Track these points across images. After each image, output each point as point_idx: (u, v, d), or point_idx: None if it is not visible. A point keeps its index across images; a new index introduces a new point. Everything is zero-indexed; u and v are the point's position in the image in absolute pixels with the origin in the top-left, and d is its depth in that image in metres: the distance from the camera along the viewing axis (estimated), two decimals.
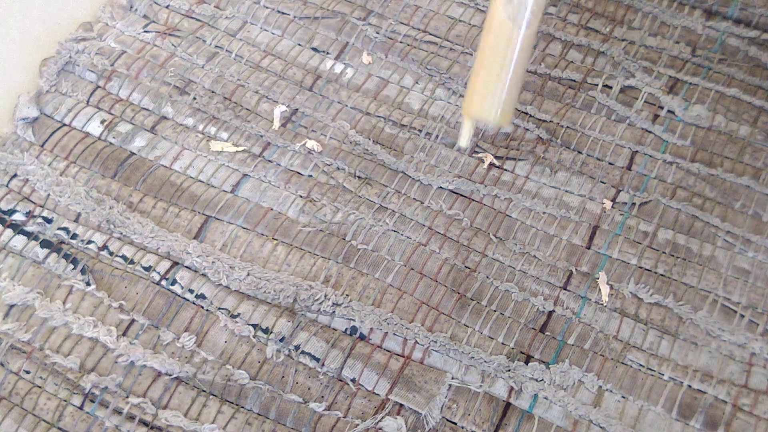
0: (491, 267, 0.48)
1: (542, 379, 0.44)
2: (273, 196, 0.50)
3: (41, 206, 0.49)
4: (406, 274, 0.47)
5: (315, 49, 0.57)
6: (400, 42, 0.57)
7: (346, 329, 0.46)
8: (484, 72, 0.37)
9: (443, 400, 0.43)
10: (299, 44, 0.57)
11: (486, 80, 0.37)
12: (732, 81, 0.55)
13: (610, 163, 0.52)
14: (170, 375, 0.44)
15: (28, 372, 0.44)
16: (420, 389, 0.44)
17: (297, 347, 0.45)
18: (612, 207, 0.50)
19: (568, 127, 0.53)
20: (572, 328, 0.46)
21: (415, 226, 0.49)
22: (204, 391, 0.44)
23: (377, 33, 0.57)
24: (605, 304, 0.47)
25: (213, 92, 0.55)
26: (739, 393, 0.44)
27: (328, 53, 0.57)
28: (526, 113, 0.54)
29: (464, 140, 0.40)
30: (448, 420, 0.43)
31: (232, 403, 0.44)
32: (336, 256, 0.48)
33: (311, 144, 0.52)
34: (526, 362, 0.45)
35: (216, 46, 0.57)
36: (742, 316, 0.46)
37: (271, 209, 0.50)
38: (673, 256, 0.49)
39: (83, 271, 0.47)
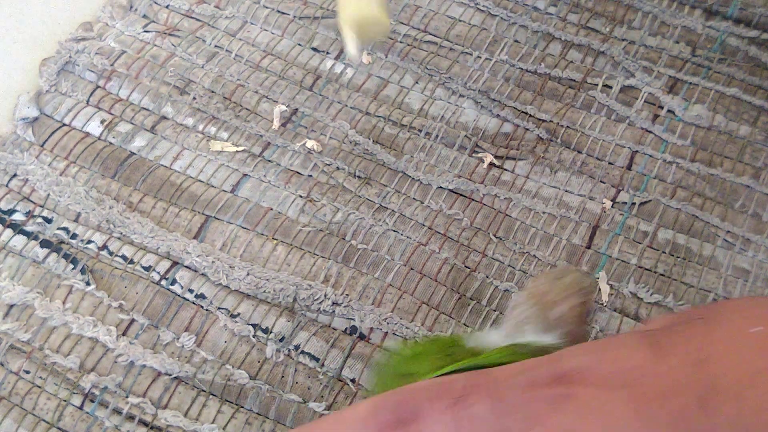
0: (491, 267, 0.48)
1: None
2: (273, 196, 0.50)
3: (41, 206, 0.49)
4: (406, 273, 0.47)
5: (315, 49, 0.57)
6: (400, 42, 0.57)
7: (346, 329, 0.46)
8: None
9: None
10: (299, 44, 0.57)
11: None
12: (732, 81, 0.55)
13: (610, 163, 0.52)
14: (170, 375, 0.44)
15: (28, 372, 0.44)
16: None
17: (297, 347, 0.45)
18: (612, 207, 0.50)
19: (568, 126, 0.53)
20: None
21: (415, 226, 0.49)
22: (204, 391, 0.44)
23: None
24: (605, 304, 0.47)
25: (213, 92, 0.55)
26: None
27: (328, 53, 0.57)
28: (526, 113, 0.54)
29: (352, 49, 0.38)
30: None
31: (232, 403, 0.44)
32: (336, 255, 0.48)
33: (311, 144, 0.52)
34: None
35: (216, 46, 0.57)
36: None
37: (271, 209, 0.50)
38: (673, 255, 0.49)
39: (83, 271, 0.47)
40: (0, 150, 0.51)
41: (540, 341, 0.31)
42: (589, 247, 0.49)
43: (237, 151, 0.52)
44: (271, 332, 0.45)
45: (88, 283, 0.46)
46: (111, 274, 0.47)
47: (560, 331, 0.32)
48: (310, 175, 0.51)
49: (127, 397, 0.43)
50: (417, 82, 0.55)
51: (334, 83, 0.55)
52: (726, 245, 0.49)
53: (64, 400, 0.43)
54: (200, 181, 0.51)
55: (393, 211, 0.50)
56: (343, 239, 0.49)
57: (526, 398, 0.21)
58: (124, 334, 0.45)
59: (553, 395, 0.21)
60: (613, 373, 0.21)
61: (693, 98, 0.54)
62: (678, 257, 0.49)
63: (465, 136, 0.53)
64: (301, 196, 0.50)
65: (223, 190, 0.50)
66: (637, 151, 0.52)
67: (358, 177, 0.51)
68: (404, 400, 0.22)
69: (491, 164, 0.52)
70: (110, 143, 0.52)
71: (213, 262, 0.47)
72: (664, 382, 0.21)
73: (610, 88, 0.55)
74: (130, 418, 0.43)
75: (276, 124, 0.53)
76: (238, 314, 0.46)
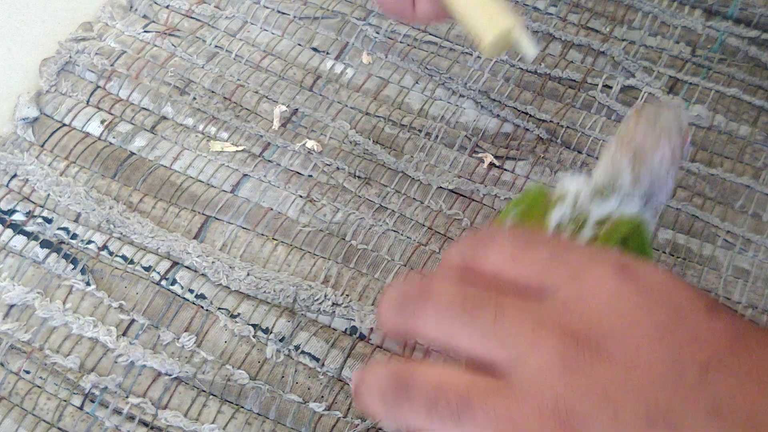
0: None
1: None
2: (273, 196, 0.50)
3: (41, 206, 0.49)
4: (406, 274, 0.47)
5: (315, 49, 0.57)
6: (400, 42, 0.57)
7: (346, 329, 0.46)
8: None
9: None
10: (299, 44, 0.57)
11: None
12: (732, 81, 0.55)
13: None
14: (170, 375, 0.44)
15: (28, 372, 0.44)
16: None
17: (297, 347, 0.45)
18: None
19: (568, 127, 0.53)
20: None
21: (415, 226, 0.49)
22: (204, 391, 0.44)
23: (377, 33, 0.57)
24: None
25: (213, 92, 0.55)
26: None
27: (328, 53, 0.57)
28: (526, 113, 0.54)
29: (532, 48, 0.38)
30: None
31: (232, 403, 0.44)
32: (336, 256, 0.48)
33: (311, 144, 0.52)
34: None
35: (216, 46, 0.57)
36: (743, 316, 0.46)
37: (271, 209, 0.50)
38: (673, 256, 0.49)
39: (83, 271, 0.47)
40: (0, 150, 0.51)
41: (616, 210, 0.31)
42: None
43: (237, 151, 0.52)
44: (271, 332, 0.45)
45: (88, 284, 0.46)
46: (111, 275, 0.47)
47: (647, 189, 0.31)
48: (310, 175, 0.51)
49: (127, 397, 0.43)
50: (417, 82, 0.55)
51: (334, 83, 0.55)
52: (726, 245, 0.49)
53: (64, 401, 0.43)
54: (200, 181, 0.51)
55: (393, 211, 0.50)
56: (343, 239, 0.49)
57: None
58: (124, 334, 0.45)
59: None
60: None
61: (693, 98, 0.54)
62: (678, 257, 0.49)
63: (465, 136, 0.53)
64: (301, 196, 0.50)
65: (223, 190, 0.50)
66: None
67: (358, 177, 0.51)
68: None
69: (491, 164, 0.52)
70: (110, 143, 0.52)
71: (213, 262, 0.47)
72: None
73: (610, 88, 0.55)
74: (131, 418, 0.43)
75: (276, 124, 0.53)
76: (239, 314, 0.46)
